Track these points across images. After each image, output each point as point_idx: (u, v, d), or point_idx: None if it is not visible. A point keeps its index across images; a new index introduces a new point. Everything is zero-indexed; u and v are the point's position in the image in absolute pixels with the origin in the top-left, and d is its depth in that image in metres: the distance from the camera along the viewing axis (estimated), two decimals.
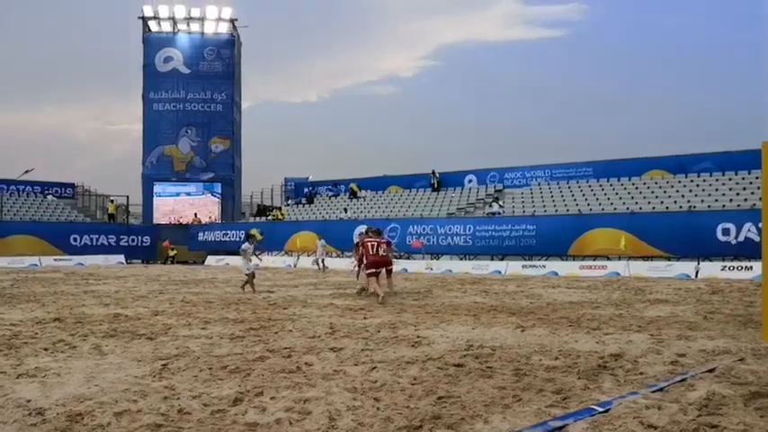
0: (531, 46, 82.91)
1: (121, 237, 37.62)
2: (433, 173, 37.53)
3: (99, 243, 36.89)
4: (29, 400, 5.46)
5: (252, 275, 16.41)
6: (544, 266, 25.77)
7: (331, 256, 32.67)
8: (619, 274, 23.34)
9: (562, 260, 26.25)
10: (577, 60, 78.24)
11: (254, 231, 29.79)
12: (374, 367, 6.74)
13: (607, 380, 6.10)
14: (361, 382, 6.02)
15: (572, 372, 6.46)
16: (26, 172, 40.58)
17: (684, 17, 72.12)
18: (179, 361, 7.16)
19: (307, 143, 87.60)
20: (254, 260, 17.17)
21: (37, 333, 9.35)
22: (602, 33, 77.76)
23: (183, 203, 42.94)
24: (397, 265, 21.24)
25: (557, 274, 24.45)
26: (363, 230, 18.29)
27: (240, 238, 36.90)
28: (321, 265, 28.40)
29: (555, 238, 26.34)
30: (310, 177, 46.35)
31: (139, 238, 38.42)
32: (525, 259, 27.17)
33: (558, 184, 33.09)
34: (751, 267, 20.15)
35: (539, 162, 35.72)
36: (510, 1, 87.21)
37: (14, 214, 38.22)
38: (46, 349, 7.97)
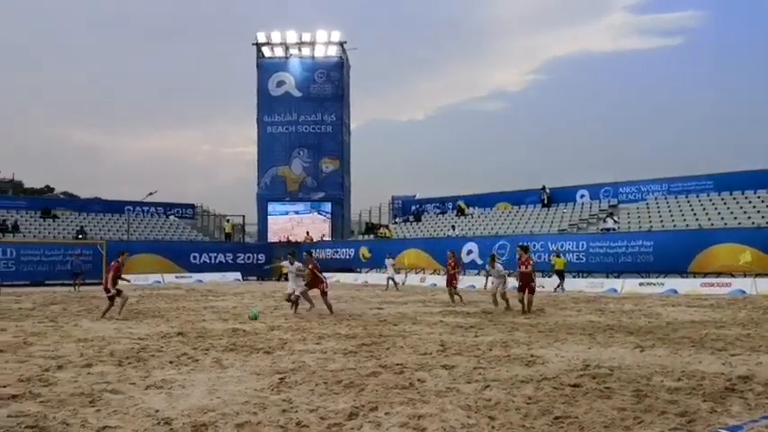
0: (646, 55, 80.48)
1: (238, 255, 38.96)
2: (544, 188, 36.83)
3: (217, 261, 38.38)
4: (157, 410, 5.76)
5: (299, 295, 16.30)
6: (662, 284, 24.68)
7: (438, 274, 32.58)
8: (744, 291, 22.04)
9: (682, 277, 25.05)
10: (695, 68, 75.26)
11: (362, 249, 30.30)
12: (487, 385, 6.67)
13: (736, 403, 5.78)
14: (475, 400, 5.98)
15: (696, 394, 6.16)
16: (150, 194, 42.81)
17: None
18: (295, 375, 7.35)
19: (414, 161, 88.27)
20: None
21: (162, 347, 9.84)
22: (720, 39, 74.51)
23: (294, 222, 44.06)
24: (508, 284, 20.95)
25: (676, 291, 23.37)
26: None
27: (350, 255, 37.51)
28: (393, 282, 27.67)
29: (674, 255, 25.19)
30: (417, 195, 46.51)
31: (254, 255, 39.64)
32: (642, 277, 26.11)
33: (675, 198, 31.71)
34: None
35: (655, 176, 34.42)
36: (622, 11, 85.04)
37: (140, 234, 40.41)
38: (171, 362, 8.37)
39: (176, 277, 34.98)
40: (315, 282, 16.19)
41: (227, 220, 44.01)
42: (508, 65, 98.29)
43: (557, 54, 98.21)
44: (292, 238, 42.42)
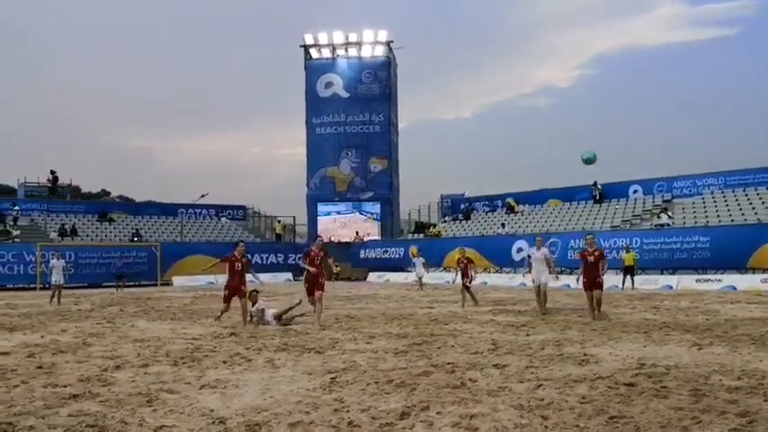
0: (700, 47, 78.58)
1: (289, 255, 39.35)
2: (595, 184, 36.25)
3: (268, 261, 38.84)
4: (212, 410, 5.85)
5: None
6: (720, 280, 24.04)
7: (489, 272, 32.40)
8: None
9: (740, 273, 24.37)
10: (753, 57, 72.88)
11: (413, 249, 30.24)
12: (540, 385, 6.60)
13: None
14: (528, 400, 5.92)
15: (757, 393, 5.99)
16: (202, 196, 43.64)
17: None
18: (347, 374, 7.39)
19: (462, 159, 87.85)
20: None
21: (216, 347, 10.00)
22: None
23: (340, 223, 44.26)
24: (559, 282, 20.60)
25: (735, 288, 22.74)
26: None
27: (400, 255, 37.54)
28: (420, 282, 27.34)
29: (731, 250, 24.52)
30: (466, 193, 46.29)
31: None
32: (699, 273, 25.49)
33: (733, 191, 30.87)
34: None
35: (710, 169, 33.57)
36: (673, 2, 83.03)
37: (193, 235, 41.17)
38: (224, 362, 8.50)
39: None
40: (315, 284, 12.83)
41: (278, 221, 44.52)
42: (555, 61, 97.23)
43: (605, 48, 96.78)
44: (341, 239, 42.57)
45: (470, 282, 17.46)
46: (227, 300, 13.27)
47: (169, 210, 43.60)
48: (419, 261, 28.46)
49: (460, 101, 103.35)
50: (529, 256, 15.84)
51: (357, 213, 44.31)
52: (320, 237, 14.04)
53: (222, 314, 13.58)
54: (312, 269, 12.76)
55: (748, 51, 72.72)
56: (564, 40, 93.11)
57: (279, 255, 39.38)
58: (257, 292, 13.69)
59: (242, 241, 15.10)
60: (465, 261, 17.85)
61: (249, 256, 14.02)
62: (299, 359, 8.64)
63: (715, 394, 5.99)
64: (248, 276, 13.59)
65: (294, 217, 45.48)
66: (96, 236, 38.35)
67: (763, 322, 12.02)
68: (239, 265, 13.18)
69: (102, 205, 45.47)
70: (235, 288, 13.09)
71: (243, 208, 47.03)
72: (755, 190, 30.01)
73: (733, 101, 73.82)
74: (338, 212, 44.48)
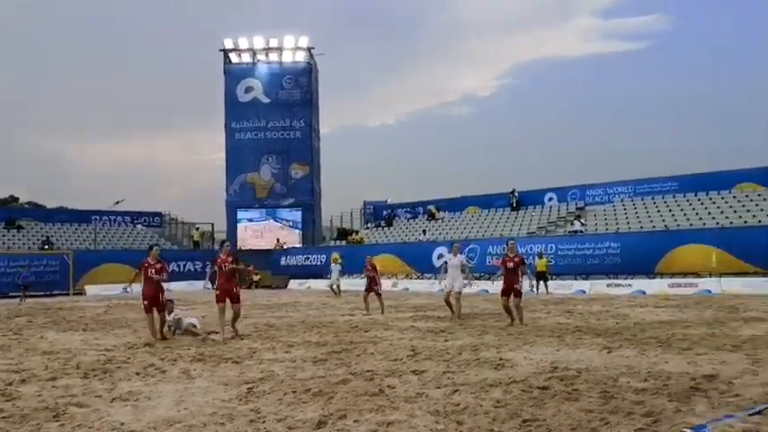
0: (612, 59, 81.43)
1: (207, 263, 38.62)
2: (513, 192, 37.11)
3: (186, 269, 38.03)
4: (122, 423, 5.67)
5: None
6: (630, 285, 25.00)
7: (410, 278, 32.70)
8: (710, 291, 22.41)
9: (649, 278, 25.40)
10: (660, 72, 76.37)
11: (335, 255, 30.11)
12: (456, 390, 6.68)
13: (700, 402, 5.85)
14: (444, 405, 5.98)
15: (662, 394, 6.23)
16: (117, 203, 42.41)
17: (764, 23, 69.34)
18: (264, 384, 7.30)
19: (385, 166, 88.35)
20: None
21: (129, 358, 9.71)
22: (684, 43, 75.76)
23: (260, 230, 43.72)
24: (477, 287, 20.97)
25: (644, 292, 23.68)
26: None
27: (323, 261, 37.40)
28: (337, 289, 27.11)
29: (641, 256, 25.54)
30: (389, 200, 46.59)
31: None
32: (610, 278, 26.43)
33: (642, 199, 32.16)
34: None
35: (621, 178, 34.89)
36: (588, 15, 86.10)
37: (107, 243, 39.91)
38: (137, 373, 8.26)
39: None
40: (227, 293, 12.07)
41: (196, 228, 43.71)
42: (477, 70, 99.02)
43: (524, 58, 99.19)
44: (261, 246, 42.05)
45: (379, 288, 17.63)
46: (149, 310, 12.14)
47: (82, 216, 42.15)
48: (335, 268, 28.21)
49: (384, 107, 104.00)
50: (445, 263, 16.01)
51: (271, 220, 43.80)
52: (227, 242, 13.34)
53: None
54: (229, 266, 12.05)
55: (657, 65, 76.13)
56: (486, 49, 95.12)
57: (196, 262, 38.58)
58: (171, 301, 13.17)
59: (156, 245, 13.77)
60: (372, 269, 17.94)
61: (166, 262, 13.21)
62: (215, 369, 8.48)
63: (623, 396, 6.20)
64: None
65: (213, 224, 44.75)
66: (3, 244, 36.66)
67: (669, 325, 12.54)
68: (153, 271, 12.16)
69: (9, 212, 43.54)
70: (151, 297, 12.06)
71: (159, 215, 45.94)
72: (663, 198, 31.36)
73: (642, 112, 77.08)
74: (249, 220, 43.80)
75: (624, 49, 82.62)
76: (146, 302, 12.14)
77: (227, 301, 12.05)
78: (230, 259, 12.18)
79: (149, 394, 6.92)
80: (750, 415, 5.26)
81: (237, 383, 7.41)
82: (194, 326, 12.70)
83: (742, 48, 72.17)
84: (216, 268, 12.27)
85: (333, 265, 28.92)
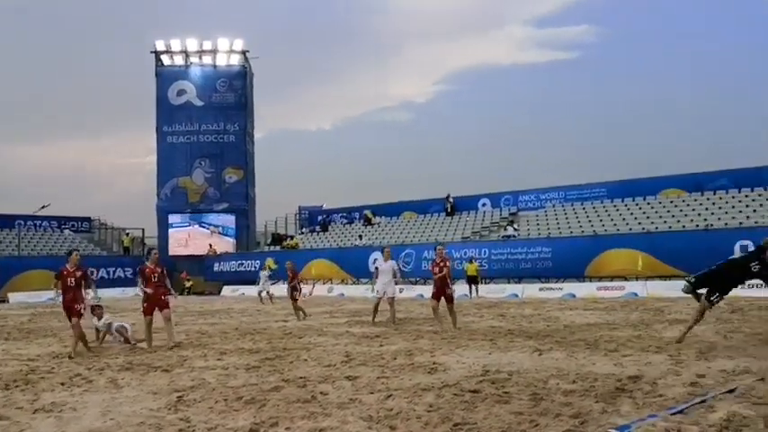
0: (545, 68, 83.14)
1: (137, 269, 37.75)
2: (448, 197, 37.51)
3: (116, 276, 37.15)
4: None
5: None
6: (561, 289, 25.58)
7: (347, 284, 32.69)
8: (637, 294, 23.12)
9: (579, 282, 26.05)
10: (591, 81, 78.28)
11: (268, 261, 29.81)
12: (390, 395, 6.69)
13: (626, 403, 6.01)
14: (377, 411, 5.98)
15: (590, 395, 6.38)
16: (43, 207, 41.03)
17: (694, 35, 72.08)
18: (194, 393, 7.15)
19: (321, 171, 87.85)
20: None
21: (54, 368, 9.38)
22: (614, 53, 77.91)
23: (183, 237, 42.94)
24: (413, 291, 21.13)
25: (574, 296, 24.25)
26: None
27: (257, 267, 36.96)
28: (267, 296, 26.21)
29: (571, 260, 26.18)
30: (324, 205, 46.46)
31: None
32: (542, 282, 27.00)
33: (572, 205, 32.94)
34: None
35: (552, 184, 35.69)
36: (522, 24, 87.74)
37: (32, 249, 38.56)
38: (62, 384, 7.99)
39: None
40: (156, 303, 11.64)
41: (126, 234, 42.70)
42: (414, 76, 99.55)
43: (461, 65, 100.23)
44: (191, 252, 41.34)
45: (299, 295, 17.53)
46: (73, 318, 11.19)
47: (5, 222, 40.56)
48: (263, 274, 27.54)
49: (322, 113, 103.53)
50: (376, 268, 16.03)
51: (196, 225, 43.04)
52: (154, 250, 12.85)
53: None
54: (149, 290, 11.56)
55: (589, 74, 78.12)
56: (423, 55, 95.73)
57: (126, 269, 37.69)
58: (100, 307, 12.70)
59: (75, 249, 12.62)
60: (292, 275, 17.85)
61: (89, 267, 12.35)
62: (144, 378, 8.27)
63: (552, 397, 6.32)
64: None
65: (143, 229, 43.79)
66: None
67: (597, 327, 12.87)
68: (72, 280, 11.14)
69: None
70: (68, 307, 11.08)
71: (88, 219, 44.70)
72: (592, 204, 32.23)
73: (573, 120, 78.87)
74: (181, 225, 42.91)
75: (557, 58, 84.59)
76: (68, 310, 11.17)
77: (156, 310, 11.61)
78: (159, 270, 11.78)
79: (74, 405, 6.70)
80: (672, 414, 5.44)
81: (167, 392, 7.25)
82: (125, 329, 12.30)
83: (667, 59, 74.89)
84: (141, 279, 11.74)
85: (261, 272, 28.32)
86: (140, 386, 7.71)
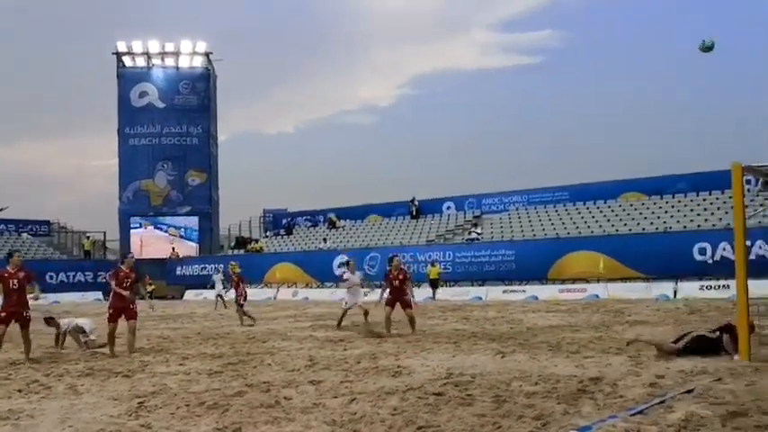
0: (509, 72, 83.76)
1: (99, 273, 37.04)
2: (412, 200, 37.61)
3: (76, 280, 36.49)
4: None
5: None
6: (524, 291, 25.83)
7: (311, 287, 32.57)
8: (598, 296, 23.44)
9: (542, 284, 26.33)
10: (554, 86, 79.15)
11: (231, 265, 29.42)
12: (354, 399, 6.68)
13: (587, 404, 6.09)
14: (341, 415, 5.97)
15: (552, 397, 6.45)
16: (0, 210, 40.13)
17: (657, 42, 73.39)
18: (156, 398, 7.06)
19: (284, 174, 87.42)
20: None
21: (11, 374, 9.17)
22: (578, 58, 78.84)
23: (159, 238, 42.47)
24: (377, 295, 20.89)
25: (537, 298, 24.50)
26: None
27: (219, 271, 36.59)
28: (222, 300, 25.08)
29: (534, 263, 26.44)
30: (289, 208, 46.25)
31: None
32: (505, 284, 27.23)
33: (535, 208, 33.28)
34: (728, 286, 20.23)
35: (515, 188, 36.02)
36: (486, 29, 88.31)
37: None
38: (20, 390, 7.82)
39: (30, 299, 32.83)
40: (124, 310, 11.12)
41: (87, 237, 41.93)
42: (377, 79, 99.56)
43: (424, 69, 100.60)
44: (153, 255, 40.76)
45: (244, 299, 17.20)
46: (5, 323, 10.62)
47: None
48: (218, 278, 26.35)
49: (284, 115, 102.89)
50: (344, 280, 15.98)
51: (152, 228, 42.48)
52: (131, 254, 12.49)
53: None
54: (125, 292, 11.09)
55: (550, 79, 78.99)
56: (387, 59, 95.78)
57: (87, 273, 37.05)
58: (53, 318, 12.04)
59: (16, 250, 11.96)
60: (237, 278, 17.72)
61: (35, 268, 11.71)
62: (104, 384, 8.14)
63: (514, 399, 6.38)
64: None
65: (105, 232, 43.10)
66: None
67: (560, 329, 13.02)
68: (15, 282, 10.56)
69: None
70: (12, 312, 10.54)
71: (47, 223, 43.85)
72: (554, 207, 32.59)
73: (537, 124, 79.67)
74: (142, 228, 42.31)
75: (522, 63, 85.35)
76: (3, 314, 10.60)
77: (122, 317, 11.10)
78: (133, 275, 11.30)
79: (32, 412, 6.56)
80: (632, 415, 5.53)
81: (128, 398, 7.14)
82: (84, 331, 11.93)
83: (629, 63, 76.05)
84: (114, 282, 11.14)
85: (215, 275, 27.28)
86: (100, 392, 7.58)
